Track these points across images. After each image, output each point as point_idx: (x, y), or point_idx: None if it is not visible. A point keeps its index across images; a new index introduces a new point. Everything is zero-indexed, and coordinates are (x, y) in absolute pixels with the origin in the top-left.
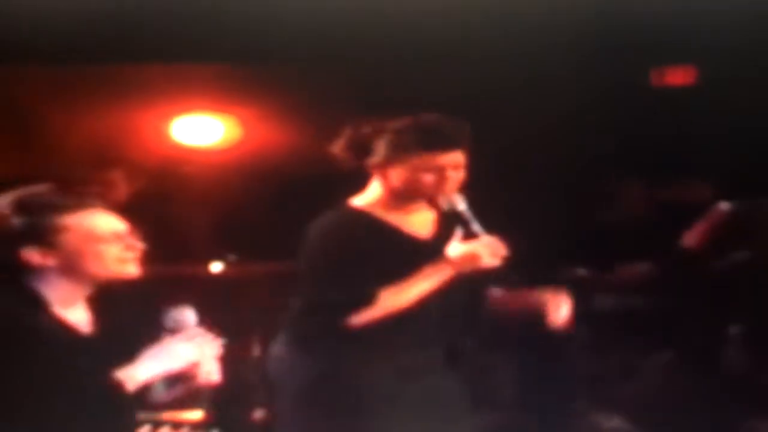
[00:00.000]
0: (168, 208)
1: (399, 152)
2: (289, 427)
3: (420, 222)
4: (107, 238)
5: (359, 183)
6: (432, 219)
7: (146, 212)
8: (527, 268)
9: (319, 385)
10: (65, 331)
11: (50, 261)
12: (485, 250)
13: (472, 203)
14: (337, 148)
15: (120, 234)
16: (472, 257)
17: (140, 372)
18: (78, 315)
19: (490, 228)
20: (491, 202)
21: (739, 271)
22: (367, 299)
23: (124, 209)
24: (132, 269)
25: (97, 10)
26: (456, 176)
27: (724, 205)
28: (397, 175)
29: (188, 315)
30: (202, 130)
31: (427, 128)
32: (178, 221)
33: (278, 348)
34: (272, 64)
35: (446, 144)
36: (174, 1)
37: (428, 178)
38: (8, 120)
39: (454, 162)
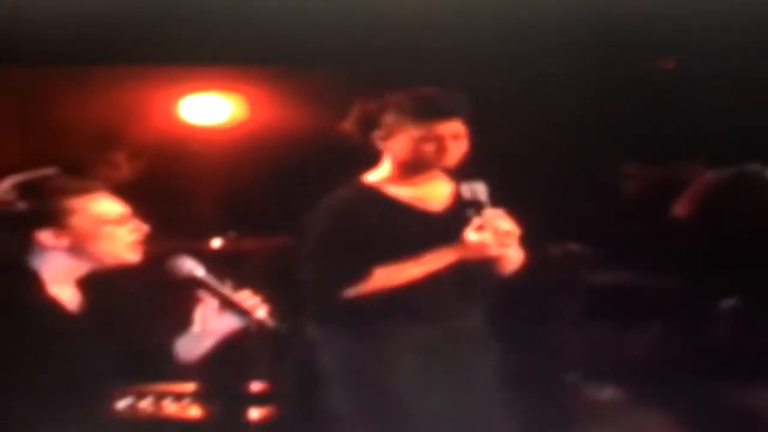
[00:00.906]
0: (174, 186)
1: (398, 124)
2: (331, 400)
3: (433, 195)
4: (115, 221)
5: (371, 159)
6: (448, 192)
7: (151, 190)
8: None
9: (343, 359)
10: (57, 309)
11: (63, 242)
12: (494, 239)
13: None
14: (348, 124)
15: (125, 216)
16: (481, 246)
17: (193, 347)
18: (66, 294)
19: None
20: (494, 181)
21: (729, 241)
22: (359, 275)
23: (128, 187)
24: (137, 253)
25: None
26: (457, 146)
27: (710, 173)
28: (400, 147)
29: (189, 262)
30: (208, 108)
31: (423, 99)
32: (185, 199)
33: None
34: (280, 45)
35: (442, 113)
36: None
37: (429, 148)
38: (12, 105)
39: (453, 131)
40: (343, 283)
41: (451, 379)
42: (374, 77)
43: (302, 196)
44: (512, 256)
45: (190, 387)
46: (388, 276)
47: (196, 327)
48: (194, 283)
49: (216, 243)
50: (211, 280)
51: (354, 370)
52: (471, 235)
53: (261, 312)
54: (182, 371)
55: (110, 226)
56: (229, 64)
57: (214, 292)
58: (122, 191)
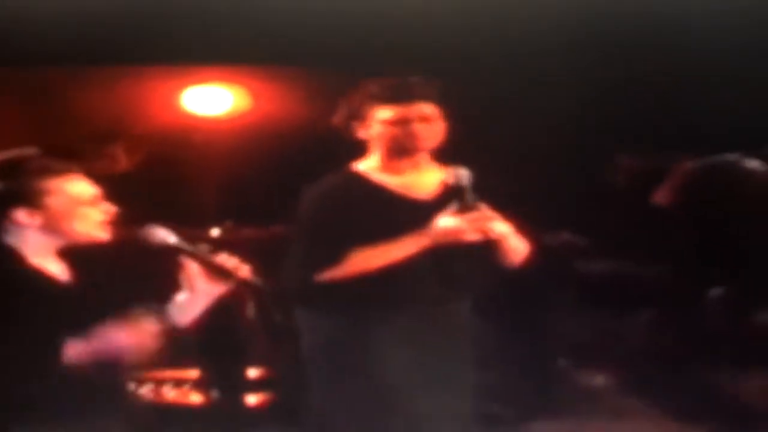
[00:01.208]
0: (171, 176)
1: (370, 111)
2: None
3: (421, 183)
4: (89, 202)
5: (363, 151)
6: (437, 180)
7: (150, 180)
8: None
9: (320, 344)
10: (45, 279)
11: (36, 221)
12: (469, 225)
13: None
14: (336, 118)
15: (97, 198)
16: (455, 232)
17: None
18: (51, 266)
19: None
20: (492, 176)
21: (714, 228)
22: (334, 259)
23: (127, 177)
24: (106, 232)
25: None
26: (428, 129)
27: (688, 162)
28: (376, 133)
29: (160, 231)
30: (207, 101)
31: (389, 84)
32: (182, 189)
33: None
34: (281, 45)
35: (407, 96)
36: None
37: (397, 131)
38: (13, 105)
39: (420, 114)
40: (324, 267)
41: (435, 365)
42: (374, 77)
43: (299, 187)
44: (517, 247)
45: (189, 373)
46: (363, 260)
47: (186, 291)
48: (172, 251)
49: (214, 232)
50: (187, 246)
51: (334, 354)
52: (443, 220)
53: (244, 271)
54: (183, 357)
55: (84, 206)
56: (228, 64)
57: (194, 257)
58: (122, 181)
